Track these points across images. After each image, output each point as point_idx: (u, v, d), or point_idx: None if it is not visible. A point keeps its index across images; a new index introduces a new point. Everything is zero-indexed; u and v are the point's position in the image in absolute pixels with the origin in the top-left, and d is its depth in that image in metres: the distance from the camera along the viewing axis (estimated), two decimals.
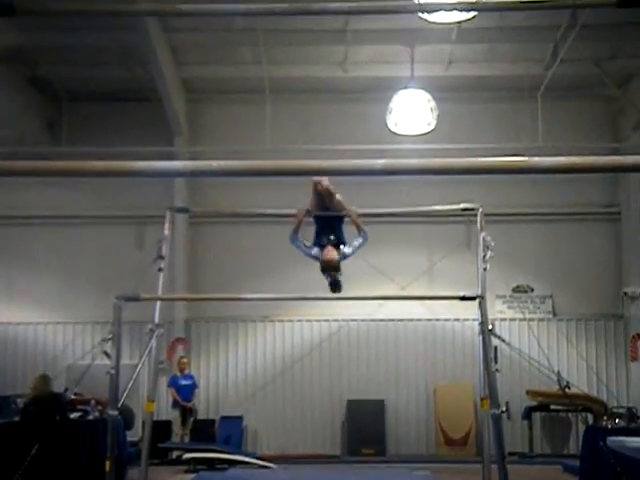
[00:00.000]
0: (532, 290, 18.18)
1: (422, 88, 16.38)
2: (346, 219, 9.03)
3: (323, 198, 8.84)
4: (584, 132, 18.26)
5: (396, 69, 17.05)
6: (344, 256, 8.76)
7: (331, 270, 8.72)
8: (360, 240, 8.80)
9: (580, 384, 16.56)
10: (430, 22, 14.67)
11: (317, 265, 9.04)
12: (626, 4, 5.13)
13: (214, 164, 4.45)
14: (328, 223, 8.88)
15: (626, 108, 17.99)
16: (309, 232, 9.18)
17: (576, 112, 18.59)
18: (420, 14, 13.69)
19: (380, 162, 4.48)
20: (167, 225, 9.51)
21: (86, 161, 4.48)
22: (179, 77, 17.80)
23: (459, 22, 14.81)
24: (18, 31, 15.49)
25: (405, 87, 16.43)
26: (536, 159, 4.46)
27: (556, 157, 4.42)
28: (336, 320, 18.15)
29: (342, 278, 9.07)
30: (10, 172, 4.47)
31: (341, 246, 8.78)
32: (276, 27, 15.86)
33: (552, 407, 17.35)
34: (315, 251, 8.79)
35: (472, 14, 13.92)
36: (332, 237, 8.82)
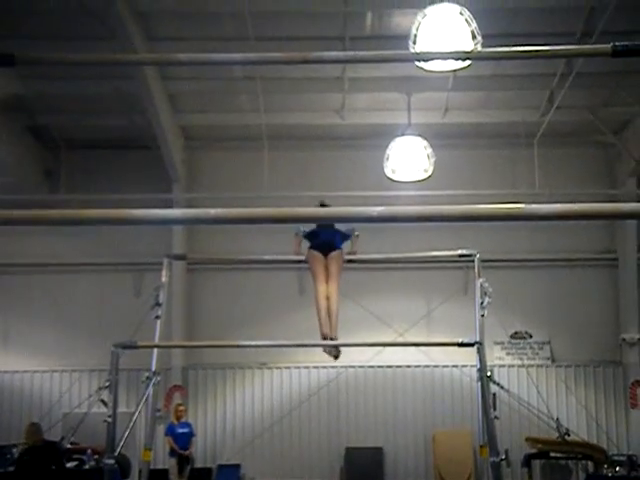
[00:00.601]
0: (530, 336, 18.13)
1: (419, 135, 16.47)
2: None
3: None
4: (581, 178, 18.34)
5: (393, 116, 17.15)
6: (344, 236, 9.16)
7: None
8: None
9: (580, 431, 16.45)
10: (426, 70, 14.74)
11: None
12: (621, 54, 5.18)
13: (212, 212, 4.46)
14: (325, 236, 9.18)
15: (622, 154, 18.09)
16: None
17: (572, 158, 18.68)
18: (416, 62, 13.81)
19: (377, 209, 4.49)
20: (164, 272, 9.51)
21: (83, 210, 4.49)
22: (177, 125, 17.89)
23: (455, 70, 14.89)
24: (17, 80, 15.61)
25: (402, 134, 16.51)
26: (533, 206, 4.47)
27: (553, 204, 4.43)
28: (334, 367, 18.04)
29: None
30: (7, 221, 4.48)
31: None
32: (274, 75, 15.97)
33: (552, 454, 17.19)
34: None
35: (467, 63, 14.03)
36: (329, 244, 9.11)
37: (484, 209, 4.65)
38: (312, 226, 9.33)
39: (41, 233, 17.61)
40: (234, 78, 16.21)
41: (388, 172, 16.55)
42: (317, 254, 9.21)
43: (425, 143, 16.37)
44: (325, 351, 9.53)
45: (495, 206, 4.57)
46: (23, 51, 5.73)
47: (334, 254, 9.25)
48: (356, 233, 9.57)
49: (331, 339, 9.33)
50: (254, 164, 17.98)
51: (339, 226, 9.28)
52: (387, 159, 16.49)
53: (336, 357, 9.60)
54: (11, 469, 12.08)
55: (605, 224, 18.40)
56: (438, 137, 17.19)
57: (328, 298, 9.25)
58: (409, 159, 16.41)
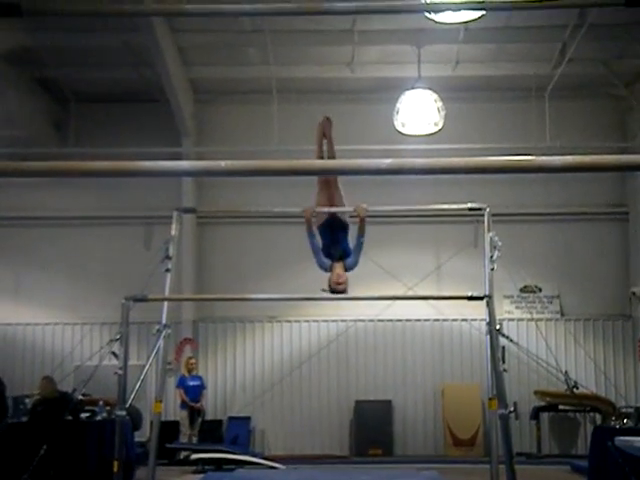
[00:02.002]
0: (540, 290, 18.13)
1: (429, 88, 16.38)
2: (351, 218, 8.99)
3: (329, 185, 8.87)
4: (592, 132, 18.23)
5: (403, 69, 17.05)
6: (350, 268, 8.79)
7: (340, 293, 8.74)
8: (359, 248, 8.79)
9: (588, 384, 16.53)
10: (437, 22, 14.66)
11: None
12: (634, 3, 5.11)
13: (222, 164, 4.45)
14: (334, 236, 8.87)
15: (634, 107, 17.95)
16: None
17: (584, 112, 18.57)
18: (427, 14, 13.69)
19: (386, 162, 4.47)
20: (174, 225, 9.50)
21: (93, 161, 4.48)
22: (187, 78, 17.81)
23: (466, 22, 14.79)
24: (26, 32, 15.53)
25: (412, 87, 16.43)
26: (544, 158, 4.45)
27: (564, 156, 4.40)
28: (344, 320, 18.15)
29: (350, 277, 9.05)
30: (17, 173, 4.48)
31: (347, 260, 8.75)
32: (284, 28, 15.87)
33: (560, 407, 17.32)
34: (326, 262, 8.77)
35: (479, 14, 13.92)
36: (339, 249, 8.83)
37: (495, 161, 4.63)
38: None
39: (51, 187, 17.61)
40: (243, 31, 16.11)
41: (398, 126, 16.49)
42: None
43: (435, 96, 16.29)
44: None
45: (506, 158, 4.55)
46: (30, 1, 5.68)
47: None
48: (363, 206, 9.15)
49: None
50: (264, 118, 17.92)
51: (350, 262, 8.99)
52: (397, 112, 16.42)
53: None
54: (24, 419, 12.20)
55: (616, 177, 18.33)
56: (448, 90, 17.09)
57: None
58: (419, 112, 16.34)
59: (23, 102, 17.11)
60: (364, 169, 4.70)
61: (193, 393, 16.36)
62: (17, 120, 17.00)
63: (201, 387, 16.61)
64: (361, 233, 8.77)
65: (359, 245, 8.74)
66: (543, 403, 17.35)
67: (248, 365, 18.35)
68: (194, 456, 14.82)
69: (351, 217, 9.11)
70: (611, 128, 18.65)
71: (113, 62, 16.92)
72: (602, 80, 17.77)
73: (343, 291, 8.69)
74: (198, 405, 16.43)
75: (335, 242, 8.80)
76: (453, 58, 17.06)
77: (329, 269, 8.68)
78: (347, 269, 8.73)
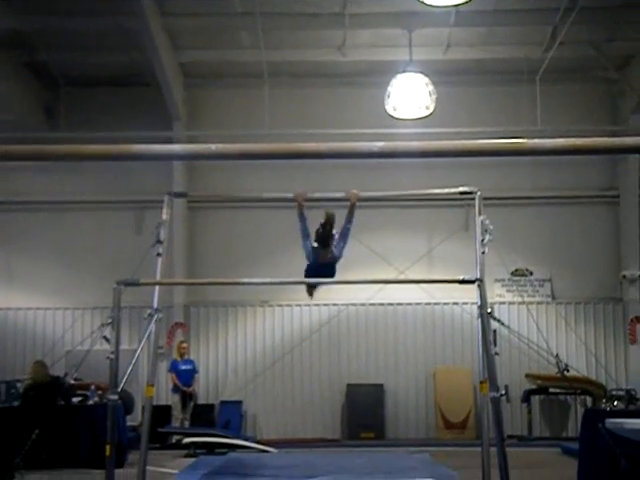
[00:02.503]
0: (531, 273, 18.15)
1: (420, 72, 16.36)
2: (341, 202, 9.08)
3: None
4: (583, 115, 18.24)
5: (394, 53, 17.01)
6: (336, 259, 8.86)
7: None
8: (345, 235, 8.83)
9: (579, 367, 16.59)
10: (428, 5, 14.61)
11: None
12: None
13: (212, 147, 4.44)
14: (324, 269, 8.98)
15: (625, 90, 17.97)
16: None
17: (575, 95, 18.57)
18: None
19: (378, 145, 4.47)
20: (165, 210, 9.47)
21: (83, 145, 4.47)
22: (177, 62, 17.74)
23: (457, 5, 14.74)
24: (15, 16, 15.44)
25: (403, 71, 16.40)
26: (535, 141, 4.45)
27: (555, 139, 4.40)
28: (335, 304, 18.17)
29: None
30: (8, 156, 4.46)
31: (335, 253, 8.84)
32: (274, 10, 15.82)
33: (551, 390, 17.41)
34: (310, 252, 8.84)
35: None
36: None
37: (486, 144, 4.64)
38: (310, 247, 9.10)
39: (42, 171, 17.60)
40: (234, 14, 16.03)
41: (389, 109, 16.46)
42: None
43: (426, 80, 16.26)
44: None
45: (497, 141, 4.55)
46: None
47: None
48: (354, 192, 9.18)
49: None
50: (255, 102, 17.88)
51: (336, 251, 9.03)
52: (388, 96, 16.39)
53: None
54: (16, 404, 12.20)
55: (607, 161, 18.36)
56: (440, 74, 17.08)
57: None
58: (410, 96, 16.31)
59: (12, 86, 17.03)
60: (357, 152, 4.70)
61: (185, 377, 16.36)
62: (6, 104, 16.93)
63: (193, 371, 16.62)
64: (349, 219, 8.79)
65: (346, 232, 8.76)
66: (534, 386, 17.42)
67: (240, 349, 18.37)
68: (186, 440, 14.83)
69: (342, 201, 9.14)
70: (602, 111, 18.66)
71: (103, 46, 16.84)
72: (593, 63, 17.77)
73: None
74: (190, 389, 16.44)
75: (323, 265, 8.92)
76: (444, 41, 17.03)
77: (312, 260, 8.78)
78: (334, 259, 8.79)
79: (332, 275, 8.93)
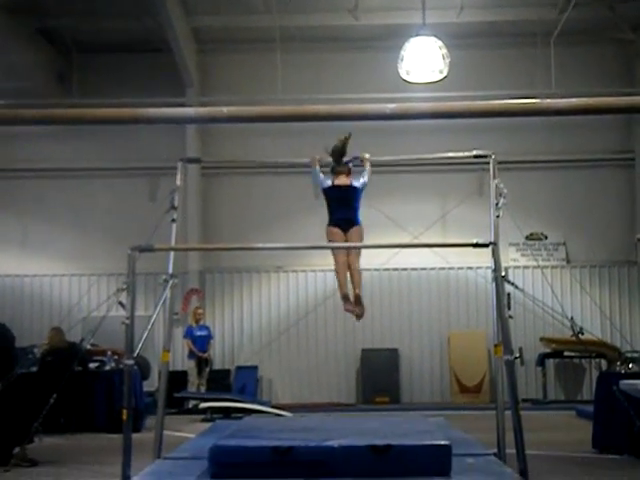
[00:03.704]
0: (546, 237, 18.15)
1: (434, 35, 16.21)
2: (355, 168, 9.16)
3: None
4: (598, 77, 18.09)
5: (407, 16, 16.88)
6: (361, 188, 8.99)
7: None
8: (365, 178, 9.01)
9: (594, 330, 16.59)
10: None
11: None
12: None
13: (225, 110, 4.44)
14: (344, 196, 9.00)
15: None
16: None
17: (590, 57, 18.43)
18: None
19: (390, 107, 4.45)
20: (179, 176, 9.45)
21: (96, 109, 4.47)
22: (189, 27, 17.69)
23: None
24: None
25: (417, 34, 16.26)
26: (548, 101, 4.42)
27: (568, 99, 4.37)
28: None
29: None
30: (19, 120, 4.47)
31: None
32: None
33: (566, 354, 17.42)
34: (327, 182, 8.97)
35: None
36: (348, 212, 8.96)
37: (499, 104, 4.61)
38: (328, 182, 9.11)
39: (57, 138, 17.68)
40: None
41: (402, 73, 16.35)
42: (336, 230, 9.04)
43: (440, 43, 16.11)
44: (347, 309, 9.25)
45: (510, 101, 4.53)
46: None
47: (354, 230, 9.04)
48: (366, 156, 9.30)
49: (356, 298, 9.04)
50: (267, 67, 17.82)
51: (355, 182, 9.05)
52: (401, 60, 16.27)
53: (359, 317, 9.31)
54: (34, 369, 12.30)
55: (621, 123, 18.25)
56: (453, 37, 16.94)
57: (350, 270, 9.05)
58: (424, 60, 16.18)
59: (25, 53, 16.99)
60: (369, 114, 4.70)
61: (201, 343, 16.44)
62: (19, 71, 16.92)
63: (208, 337, 16.69)
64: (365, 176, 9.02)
65: (363, 185, 9.00)
66: (549, 350, 17.43)
67: (255, 315, 18.45)
68: (202, 405, 14.93)
69: (355, 166, 9.21)
70: (618, 73, 18.52)
71: (116, 12, 16.80)
72: (608, 24, 17.59)
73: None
74: (206, 355, 16.52)
75: (344, 218, 8.95)
76: (457, 4, 16.89)
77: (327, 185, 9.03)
78: (351, 185, 9.01)
79: (353, 212, 9.01)
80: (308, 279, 18.42)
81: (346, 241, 8.99)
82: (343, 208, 8.98)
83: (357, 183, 9.02)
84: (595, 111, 4.54)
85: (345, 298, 9.00)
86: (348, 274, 9.08)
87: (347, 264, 9.04)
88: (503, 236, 9.91)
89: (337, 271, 9.07)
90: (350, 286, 9.06)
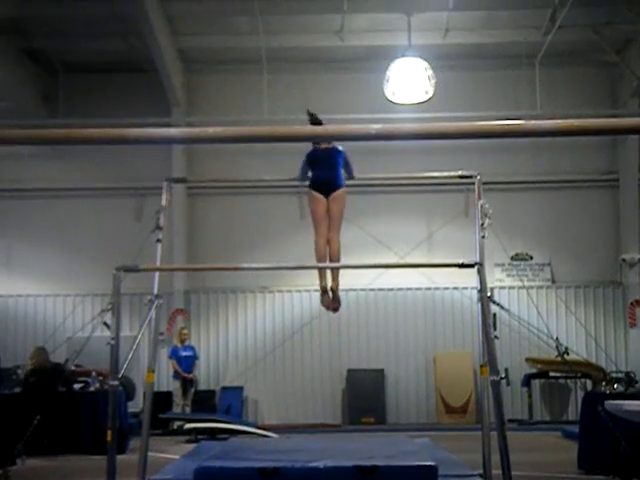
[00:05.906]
0: (531, 258, 18.20)
1: (419, 56, 16.32)
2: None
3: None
4: (583, 99, 18.22)
5: (393, 37, 16.98)
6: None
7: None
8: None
9: (579, 351, 16.64)
10: None
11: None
12: None
13: (210, 130, 4.43)
14: (326, 156, 9.02)
15: (625, 74, 17.93)
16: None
17: (574, 79, 18.55)
18: None
19: (375, 127, 4.45)
20: (164, 196, 9.44)
21: (81, 129, 4.46)
22: (175, 48, 17.72)
23: None
24: (12, 3, 15.41)
25: (402, 55, 16.36)
26: (533, 122, 4.43)
27: (553, 120, 4.38)
28: None
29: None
30: (4, 140, 4.45)
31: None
32: None
33: (551, 374, 17.43)
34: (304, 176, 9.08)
35: None
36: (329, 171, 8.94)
37: (485, 126, 4.61)
38: (310, 148, 9.17)
39: (42, 158, 17.66)
40: None
41: (388, 94, 16.44)
42: (318, 195, 8.96)
43: (426, 64, 16.22)
44: (323, 304, 9.30)
45: (496, 123, 4.53)
46: None
47: (336, 194, 8.99)
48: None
49: (332, 292, 9.08)
50: (253, 87, 17.86)
51: (339, 146, 9.09)
52: (387, 81, 16.37)
53: (335, 310, 9.38)
54: (17, 390, 12.22)
55: (606, 145, 18.35)
56: (439, 58, 17.05)
57: (329, 243, 9.02)
58: (409, 81, 16.29)
59: (11, 73, 17.00)
60: (354, 135, 4.68)
61: (186, 363, 16.38)
62: (5, 92, 16.91)
63: (193, 357, 16.64)
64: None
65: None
66: (534, 370, 17.44)
67: (240, 335, 18.39)
68: (187, 426, 14.87)
69: None
70: (602, 95, 18.64)
71: (101, 32, 16.81)
72: (592, 47, 17.71)
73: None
74: (191, 375, 16.47)
75: (326, 179, 8.92)
76: (443, 26, 16.99)
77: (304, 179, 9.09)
78: (334, 148, 9.07)
79: (334, 172, 8.99)
80: (294, 299, 18.39)
81: (328, 207, 8.94)
82: (325, 168, 8.97)
83: (340, 147, 9.03)
84: (580, 132, 4.55)
85: (323, 290, 9.03)
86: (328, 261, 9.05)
87: (327, 241, 9.01)
88: (489, 256, 9.96)
89: (316, 242, 9.00)
90: (329, 276, 9.07)
